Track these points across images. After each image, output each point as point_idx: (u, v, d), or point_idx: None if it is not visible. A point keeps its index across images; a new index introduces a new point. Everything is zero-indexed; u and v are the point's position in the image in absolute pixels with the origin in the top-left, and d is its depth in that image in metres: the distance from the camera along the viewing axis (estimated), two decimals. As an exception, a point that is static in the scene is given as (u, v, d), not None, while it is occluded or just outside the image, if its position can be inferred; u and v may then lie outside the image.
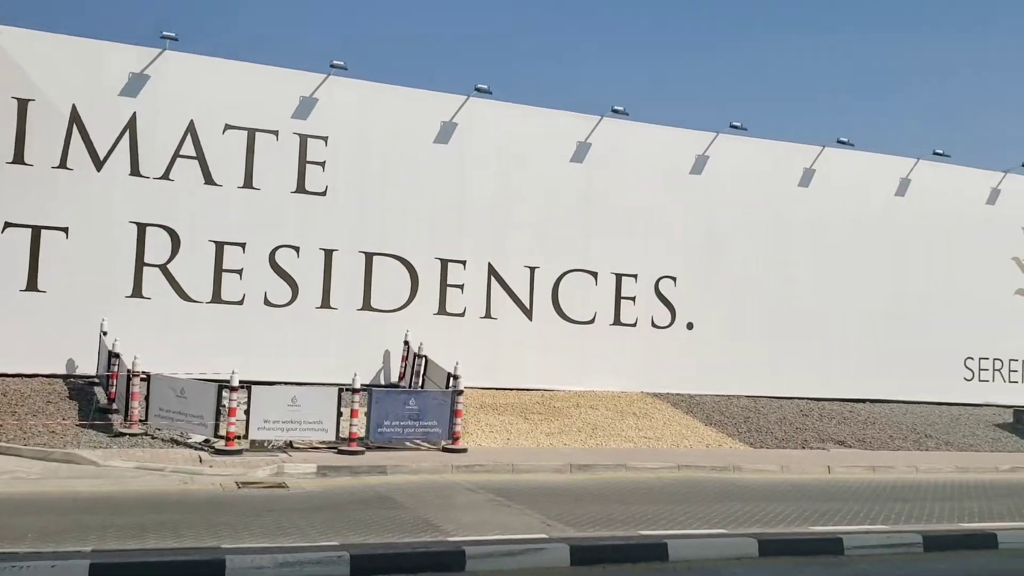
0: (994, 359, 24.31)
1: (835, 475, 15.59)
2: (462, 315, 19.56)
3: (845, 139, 22.54)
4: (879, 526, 10.30)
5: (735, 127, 21.57)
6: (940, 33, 50.34)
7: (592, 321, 20.74)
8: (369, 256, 18.97)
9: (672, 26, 48.15)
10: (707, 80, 48.25)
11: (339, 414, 13.97)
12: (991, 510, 12.26)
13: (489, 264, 19.84)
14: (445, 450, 14.49)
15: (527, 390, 19.58)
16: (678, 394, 20.87)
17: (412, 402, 14.42)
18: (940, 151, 23.38)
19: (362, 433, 14.16)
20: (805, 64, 48.73)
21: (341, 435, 13.99)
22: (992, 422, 22.13)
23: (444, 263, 19.49)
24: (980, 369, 24.15)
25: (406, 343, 18.43)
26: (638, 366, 20.86)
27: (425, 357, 17.28)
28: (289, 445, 14.02)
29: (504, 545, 8.26)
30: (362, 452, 13.78)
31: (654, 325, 21.33)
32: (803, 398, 22.02)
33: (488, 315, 19.79)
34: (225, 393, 13.65)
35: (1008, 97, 50.44)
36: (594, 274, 20.82)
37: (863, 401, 22.53)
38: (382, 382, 18.69)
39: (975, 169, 24.56)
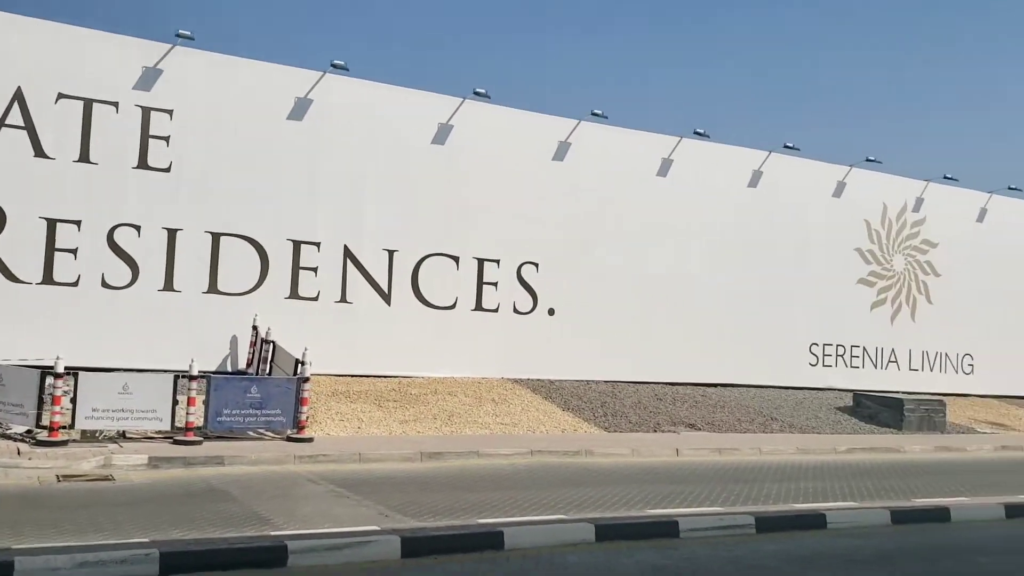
0: (837, 345, 25.46)
1: (683, 457, 15.89)
2: (316, 299, 18.92)
3: (701, 130, 23.05)
4: (715, 508, 10.47)
5: (596, 115, 21.69)
6: (796, 26, 52.44)
7: (453, 306, 20.49)
8: (216, 236, 18.07)
9: (534, 8, 48.32)
10: (568, 66, 48.70)
11: (175, 402, 13.22)
12: (825, 490, 12.69)
13: (345, 247, 19.26)
14: (290, 439, 13.94)
15: (384, 377, 19.16)
16: (538, 379, 20.90)
17: (254, 389, 13.79)
18: (791, 144, 24.25)
19: (200, 422, 13.44)
20: (663, 53, 49.82)
21: (178, 424, 13.25)
22: (834, 405, 23.17)
23: (297, 244, 18.78)
24: (824, 355, 25.26)
25: (254, 328, 17.70)
26: (499, 352, 20.77)
27: (273, 343, 16.62)
28: (122, 435, 13.19)
29: (331, 539, 7.90)
30: (200, 442, 13.08)
31: (516, 311, 21.26)
32: (659, 383, 22.46)
33: (344, 299, 19.23)
34: (49, 380, 12.73)
35: (854, 93, 53.05)
36: (456, 259, 20.55)
37: (715, 385, 23.18)
38: (229, 369, 17.90)
39: (823, 163, 25.58)
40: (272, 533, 8.11)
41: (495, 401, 18.63)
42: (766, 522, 9.82)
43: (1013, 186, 27.77)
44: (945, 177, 26.83)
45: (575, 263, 21.92)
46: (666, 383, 22.52)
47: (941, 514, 10.95)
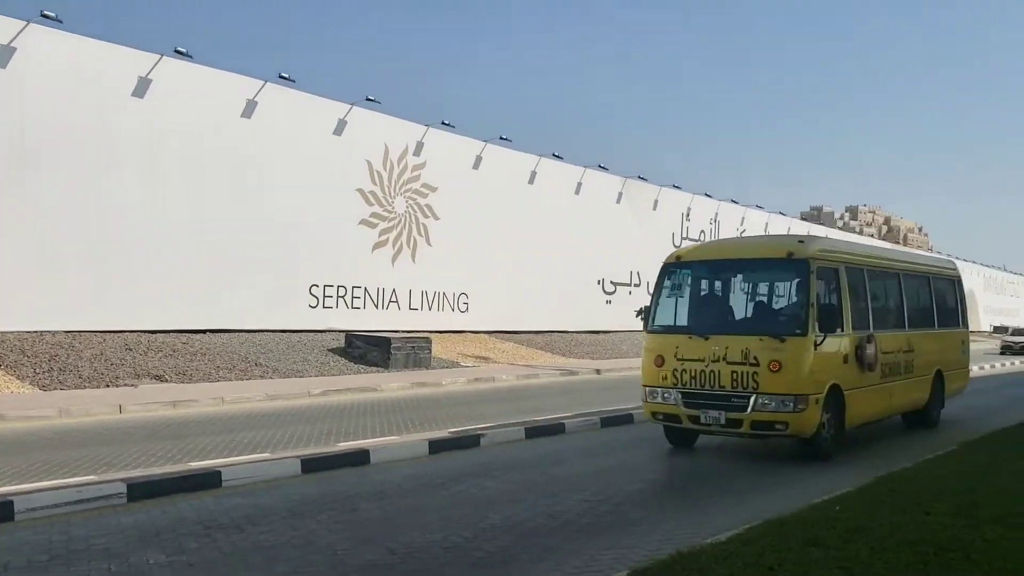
0: (338, 286, 25.05)
1: (126, 415, 14.00)
2: None
3: (183, 49, 20.74)
4: (85, 478, 8.81)
5: (47, 16, 18.33)
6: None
7: None
8: None
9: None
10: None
11: None
12: (260, 440, 11.70)
13: None
14: None
15: None
16: (-30, 332, 17.41)
17: None
18: (285, 75, 22.98)
19: None
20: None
21: None
22: (327, 347, 22.72)
23: None
24: (325, 296, 24.69)
25: None
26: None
27: None
28: None
29: None
30: None
31: (-61, 249, 17.38)
32: (135, 331, 20.14)
33: None
34: None
35: (351, 27, 53.61)
36: None
37: (203, 332, 21.43)
38: None
39: (322, 98, 24.72)
40: None
41: None
42: (142, 488, 8.37)
43: (504, 136, 29.67)
44: (443, 123, 27.68)
45: (18, 188, 18.51)
46: (144, 331, 20.27)
47: (360, 457, 10.43)
